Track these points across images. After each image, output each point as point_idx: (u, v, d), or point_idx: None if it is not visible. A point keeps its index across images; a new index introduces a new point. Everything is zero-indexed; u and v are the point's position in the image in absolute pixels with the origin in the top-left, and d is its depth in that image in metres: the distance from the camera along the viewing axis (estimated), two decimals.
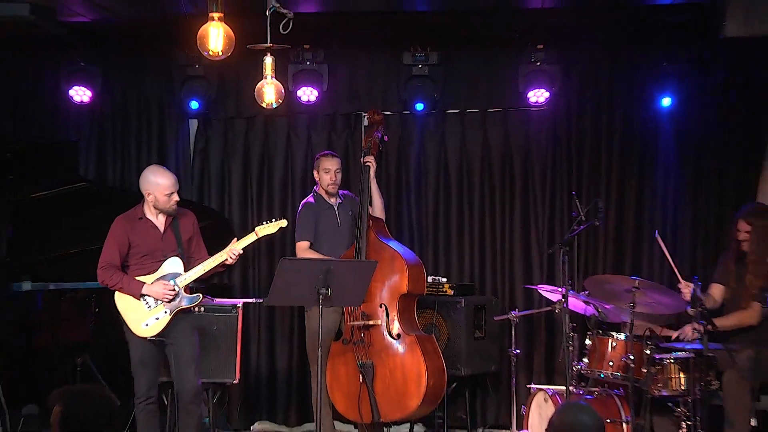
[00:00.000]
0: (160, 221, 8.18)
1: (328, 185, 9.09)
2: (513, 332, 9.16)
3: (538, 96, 9.75)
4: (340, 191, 9.23)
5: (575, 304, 8.53)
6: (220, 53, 5.55)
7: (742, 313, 8.31)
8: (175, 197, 8.10)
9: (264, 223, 8.27)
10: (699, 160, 10.06)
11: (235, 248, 8.06)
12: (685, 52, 9.75)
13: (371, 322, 9.00)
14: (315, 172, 9.23)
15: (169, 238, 8.19)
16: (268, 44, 6.06)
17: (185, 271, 8.11)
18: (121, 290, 8.06)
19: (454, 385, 9.52)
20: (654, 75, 9.86)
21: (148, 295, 8.00)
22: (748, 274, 8.41)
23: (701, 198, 10.05)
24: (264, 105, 6.36)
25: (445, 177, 10.42)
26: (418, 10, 8.82)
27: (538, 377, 9.91)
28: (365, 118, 9.35)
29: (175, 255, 8.16)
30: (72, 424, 4.84)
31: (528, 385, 9.05)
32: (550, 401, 8.34)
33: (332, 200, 9.18)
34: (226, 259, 8.09)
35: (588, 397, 8.27)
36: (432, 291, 9.68)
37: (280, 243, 9.65)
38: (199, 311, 8.50)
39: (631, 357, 8.05)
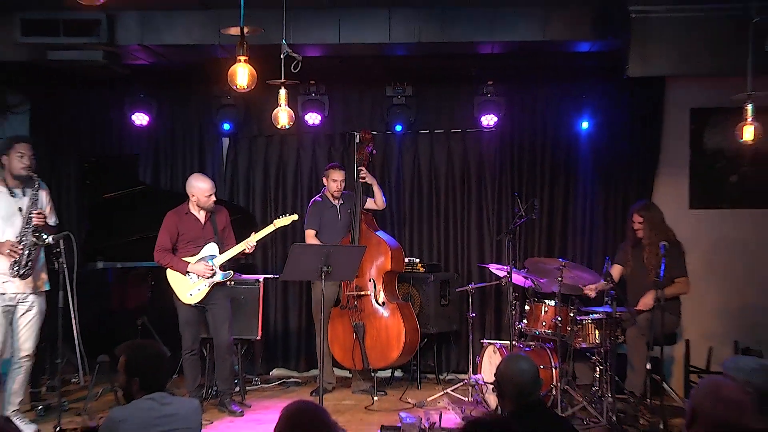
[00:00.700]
0: (201, 215, 8.28)
1: (334, 191, 9.17)
2: (470, 300, 9.21)
3: (488, 120, 9.78)
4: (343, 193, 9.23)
5: (517, 278, 8.58)
6: (246, 87, 5.53)
7: (681, 286, 8.35)
8: (213, 198, 8.24)
9: (280, 216, 8.41)
10: (609, 168, 10.10)
11: (249, 241, 8.20)
12: (599, 87, 9.88)
13: (362, 293, 9.13)
14: (324, 179, 9.28)
15: (208, 229, 8.31)
16: (282, 80, 6.04)
17: (220, 254, 8.22)
18: (171, 268, 8.19)
19: (425, 340, 9.57)
20: (575, 104, 9.97)
21: (192, 272, 8.12)
22: (645, 255, 8.50)
23: (611, 197, 10.10)
24: (279, 126, 6.34)
25: (418, 182, 10.40)
26: (397, 54, 8.76)
27: (489, 334, 9.93)
28: (357, 137, 9.39)
29: (213, 241, 8.29)
30: (134, 369, 4.78)
31: (481, 340, 9.10)
32: (498, 353, 8.40)
33: (335, 201, 9.23)
34: (245, 249, 8.22)
35: (526, 349, 8.35)
36: (408, 269, 9.71)
37: (292, 232, 9.59)
38: (231, 284, 8.58)
39: (559, 318, 8.20)
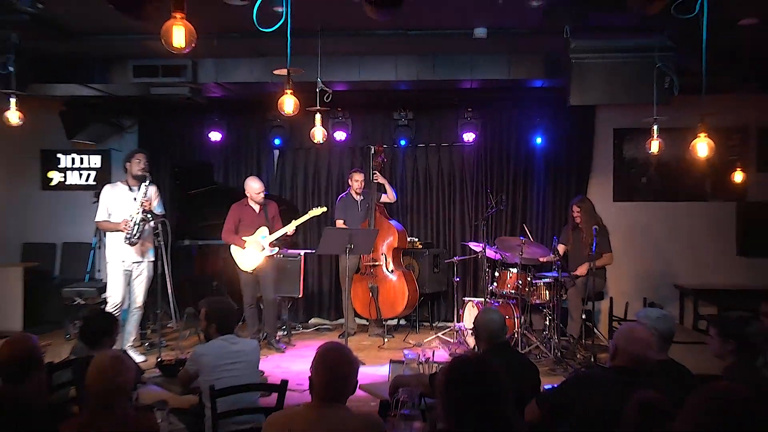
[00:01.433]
0: (256, 207, 8.35)
1: (356, 189, 9.15)
2: (455, 269, 9.22)
3: (468, 137, 9.71)
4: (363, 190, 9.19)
5: (489, 253, 8.50)
6: (291, 113, 5.53)
7: (607, 258, 8.38)
8: (262, 195, 8.32)
9: (314, 208, 8.45)
10: (556, 172, 10.02)
11: (290, 226, 8.26)
12: (549, 112, 9.75)
13: (377, 263, 9.09)
14: (348, 180, 9.29)
15: (261, 216, 8.36)
16: (318, 107, 6.00)
17: (269, 235, 8.23)
18: (234, 244, 8.26)
19: (422, 298, 9.52)
20: (532, 125, 9.86)
21: (248, 248, 8.19)
22: (582, 236, 8.48)
23: (557, 193, 10.01)
24: (315, 141, 6.33)
25: (417, 182, 10.34)
26: (401, 89, 8.74)
27: (469, 293, 9.81)
28: (372, 149, 9.24)
29: (264, 225, 8.29)
30: (212, 318, 4.88)
31: (463, 298, 9.02)
32: (475, 307, 8.39)
33: (357, 197, 9.19)
34: (287, 232, 8.27)
35: (496, 304, 8.28)
36: (410, 246, 9.67)
37: (324, 219, 9.48)
38: (278, 257, 8.56)
39: (520, 282, 8.23)
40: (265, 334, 8.50)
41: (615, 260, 8.55)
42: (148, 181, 7.73)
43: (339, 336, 8.98)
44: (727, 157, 9.52)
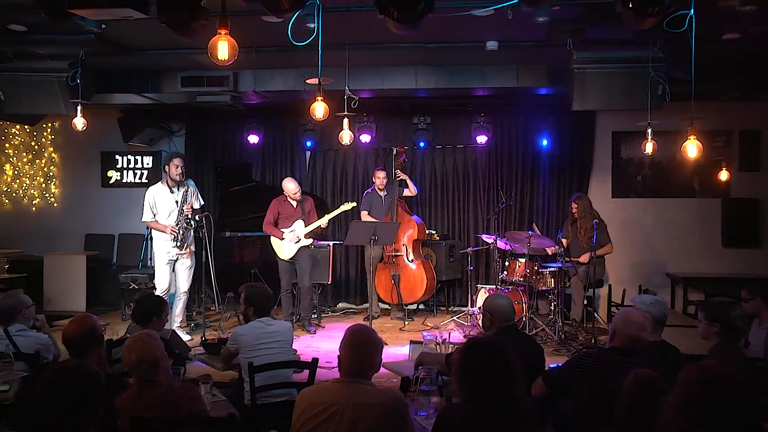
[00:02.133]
0: (293, 202, 8.30)
1: (379, 185, 9.10)
2: (469, 258, 9.24)
3: (481, 139, 9.63)
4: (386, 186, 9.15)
5: (500, 244, 8.45)
6: (321, 118, 5.53)
7: (607, 248, 8.31)
8: (299, 194, 8.25)
9: (344, 203, 8.40)
10: (560, 172, 9.94)
11: (323, 220, 8.24)
12: (553, 117, 9.67)
13: (398, 253, 9.08)
14: (373, 177, 9.23)
15: (298, 211, 8.30)
16: (345, 113, 5.98)
17: (305, 227, 8.17)
18: (273, 235, 8.21)
19: (439, 285, 9.47)
20: (538, 128, 9.78)
21: (286, 239, 8.14)
22: (580, 231, 8.43)
23: (561, 190, 9.92)
24: (343, 143, 6.30)
25: (434, 180, 10.28)
26: (420, 96, 8.74)
27: (482, 281, 9.77)
28: (395, 150, 9.23)
29: (301, 219, 8.24)
30: (250, 301, 4.88)
31: (477, 285, 9.05)
32: (487, 293, 8.25)
33: (381, 192, 9.13)
34: (321, 225, 8.24)
35: (506, 290, 8.24)
36: (428, 238, 9.59)
37: (351, 214, 9.37)
38: (312, 247, 8.47)
39: (528, 270, 8.14)
40: (299, 317, 8.51)
41: (613, 251, 8.50)
42: (186, 186, 7.77)
43: (364, 319, 8.90)
44: (713, 157, 9.47)
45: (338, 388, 3.17)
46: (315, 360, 4.50)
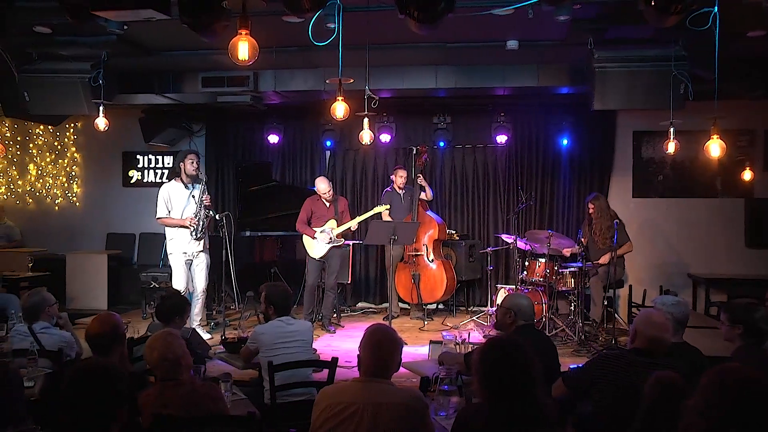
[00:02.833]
0: (326, 202, 8.31)
1: (399, 184, 9.09)
2: (489, 258, 9.24)
3: (501, 139, 9.57)
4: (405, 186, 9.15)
5: (520, 244, 8.45)
6: (342, 117, 5.53)
7: (627, 247, 8.16)
8: (330, 193, 8.28)
9: (378, 205, 8.58)
10: (580, 171, 9.90)
11: (353, 222, 8.28)
12: (574, 116, 9.62)
13: (419, 253, 9.05)
14: (392, 176, 9.21)
15: (331, 210, 8.33)
16: (366, 113, 5.98)
17: (338, 227, 8.23)
18: (305, 234, 8.25)
19: (458, 284, 9.42)
20: (559, 128, 9.74)
21: (317, 238, 8.17)
22: (596, 231, 8.34)
23: (581, 190, 9.83)
24: (363, 143, 6.28)
25: (455, 180, 10.26)
26: (440, 95, 8.73)
27: (501, 281, 9.77)
28: (415, 150, 9.21)
29: (333, 219, 8.28)
30: (270, 300, 4.90)
31: (496, 285, 9.06)
32: (507, 293, 8.15)
33: (400, 191, 9.12)
34: (351, 227, 8.29)
35: (526, 290, 8.20)
36: (448, 238, 9.55)
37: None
38: (343, 247, 8.51)
39: (548, 270, 8.14)
40: (320, 316, 8.52)
41: (633, 250, 8.41)
42: (204, 180, 7.78)
43: (383, 318, 8.89)
44: (736, 157, 9.38)
45: (358, 387, 3.17)
46: (335, 359, 4.51)
